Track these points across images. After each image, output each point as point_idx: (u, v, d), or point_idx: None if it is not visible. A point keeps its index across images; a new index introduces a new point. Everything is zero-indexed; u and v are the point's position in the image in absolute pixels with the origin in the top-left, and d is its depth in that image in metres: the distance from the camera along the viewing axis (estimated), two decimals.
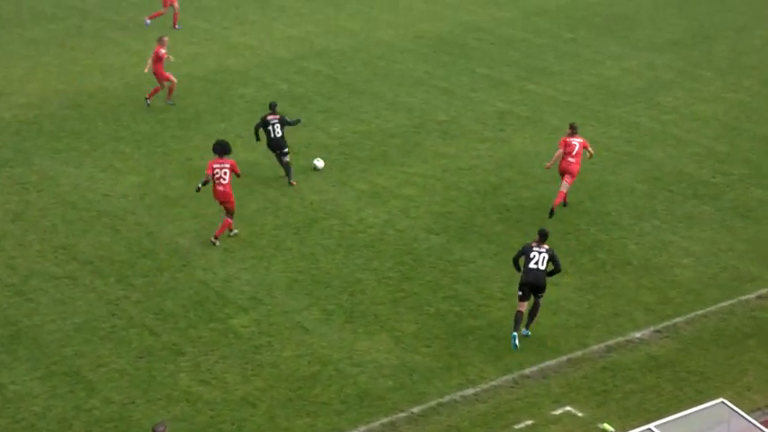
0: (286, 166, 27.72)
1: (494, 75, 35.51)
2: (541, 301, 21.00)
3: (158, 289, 22.82)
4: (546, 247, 20.85)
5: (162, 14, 39.93)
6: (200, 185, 24.98)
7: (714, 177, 28.29)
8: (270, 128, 27.34)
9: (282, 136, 27.38)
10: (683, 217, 26.13)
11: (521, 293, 20.69)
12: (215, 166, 24.88)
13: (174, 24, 39.76)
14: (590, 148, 26.51)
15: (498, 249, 24.46)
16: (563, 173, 25.97)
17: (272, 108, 27.72)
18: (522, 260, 20.90)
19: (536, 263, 20.65)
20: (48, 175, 28.13)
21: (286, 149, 27.50)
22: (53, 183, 27.77)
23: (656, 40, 38.96)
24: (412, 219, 26.00)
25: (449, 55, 37.42)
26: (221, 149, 25.11)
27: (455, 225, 25.70)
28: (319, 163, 28.54)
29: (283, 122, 27.43)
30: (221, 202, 25.04)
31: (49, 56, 37.00)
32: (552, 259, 20.76)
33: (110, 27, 40.21)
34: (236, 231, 25.18)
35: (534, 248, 20.81)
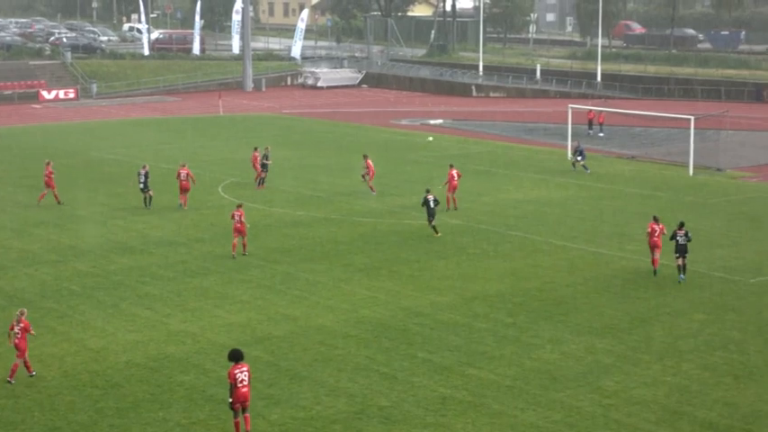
0: None
1: (435, 359, 35.61)
2: None
3: None
4: None
5: None
6: (230, 399, 28.57)
7: None
8: None
9: None
10: None
11: None
12: (236, 371, 28.58)
13: None
14: None
15: None
16: None
17: None
18: None
19: None
20: None
21: None
22: None
23: (594, 324, 39.41)
24: None
25: (390, 340, 37.57)
26: (237, 356, 28.81)
27: None
28: None
29: None
30: (241, 402, 28.63)
31: None
32: None
33: (49, 316, 40.03)
34: None
35: None
